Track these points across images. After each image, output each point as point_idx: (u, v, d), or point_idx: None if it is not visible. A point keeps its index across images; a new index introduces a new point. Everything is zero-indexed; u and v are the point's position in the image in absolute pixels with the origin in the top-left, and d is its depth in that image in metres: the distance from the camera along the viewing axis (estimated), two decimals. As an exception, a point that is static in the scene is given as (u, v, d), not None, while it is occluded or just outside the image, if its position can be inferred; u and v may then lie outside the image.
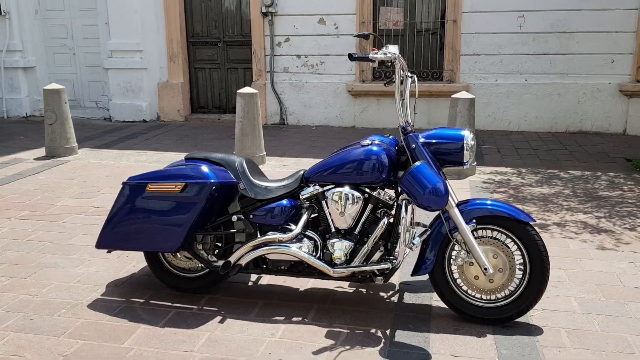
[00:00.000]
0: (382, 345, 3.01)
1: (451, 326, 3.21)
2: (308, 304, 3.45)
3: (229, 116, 9.87)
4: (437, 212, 3.24)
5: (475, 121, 6.63)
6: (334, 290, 3.64)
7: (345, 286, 3.67)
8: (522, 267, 3.18)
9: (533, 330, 3.16)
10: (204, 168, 3.31)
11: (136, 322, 3.24)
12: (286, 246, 3.27)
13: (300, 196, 3.38)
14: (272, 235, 3.28)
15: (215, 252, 3.51)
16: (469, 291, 3.27)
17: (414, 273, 3.24)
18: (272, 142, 8.01)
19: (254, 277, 3.81)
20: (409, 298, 3.54)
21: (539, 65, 8.63)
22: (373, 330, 3.15)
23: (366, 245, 3.20)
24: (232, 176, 3.39)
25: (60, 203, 5.41)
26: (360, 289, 3.64)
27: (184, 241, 3.32)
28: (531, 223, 3.15)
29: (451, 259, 3.26)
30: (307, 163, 6.97)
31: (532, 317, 3.27)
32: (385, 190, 3.30)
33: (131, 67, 9.70)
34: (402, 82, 3.22)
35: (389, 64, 3.19)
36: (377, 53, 3.14)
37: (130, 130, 9.20)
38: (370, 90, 9.04)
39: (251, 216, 3.37)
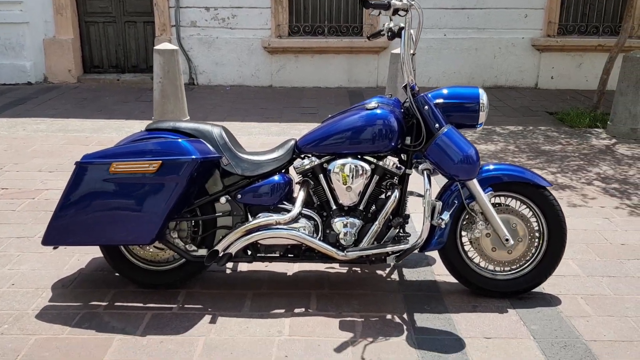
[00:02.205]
0: (406, 333, 2.68)
1: (467, 303, 2.95)
2: (305, 291, 3.03)
3: (129, 76, 8.92)
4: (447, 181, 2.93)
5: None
6: (327, 272, 3.24)
7: (336, 266, 3.28)
8: (539, 235, 2.97)
9: (551, 300, 2.98)
10: (182, 141, 2.72)
11: (108, 333, 2.65)
12: (287, 229, 2.80)
13: (295, 170, 2.92)
14: (269, 218, 2.80)
15: (193, 240, 2.96)
16: (482, 263, 3.02)
17: (423, 249, 2.91)
18: (187, 105, 7.30)
19: (229, 264, 3.31)
20: (410, 274, 3.23)
21: (457, 19, 8.54)
22: (389, 316, 2.81)
23: (377, 223, 2.82)
24: (213, 149, 2.84)
25: (-43, 186, 4.48)
26: (354, 269, 3.28)
27: (160, 231, 2.75)
28: (548, 187, 2.94)
29: (462, 231, 2.98)
30: (237, 128, 6.40)
31: (543, 285, 3.09)
32: (389, 158, 2.92)
33: (9, 21, 8.39)
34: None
35: (404, 13, 2.76)
36: (394, -1, 2.71)
37: (14, 94, 8.00)
38: (288, 46, 8.51)
39: (239, 196, 2.85)
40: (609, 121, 6.36)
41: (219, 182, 2.90)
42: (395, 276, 3.21)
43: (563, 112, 7.05)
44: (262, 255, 2.93)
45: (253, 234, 2.79)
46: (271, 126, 6.47)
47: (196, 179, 2.78)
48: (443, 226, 2.76)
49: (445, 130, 2.71)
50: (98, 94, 8.08)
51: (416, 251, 2.85)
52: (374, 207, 2.92)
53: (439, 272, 3.25)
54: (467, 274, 2.98)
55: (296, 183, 2.98)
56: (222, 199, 2.83)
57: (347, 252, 2.78)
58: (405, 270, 3.27)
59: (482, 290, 3.00)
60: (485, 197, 2.85)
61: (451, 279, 3.10)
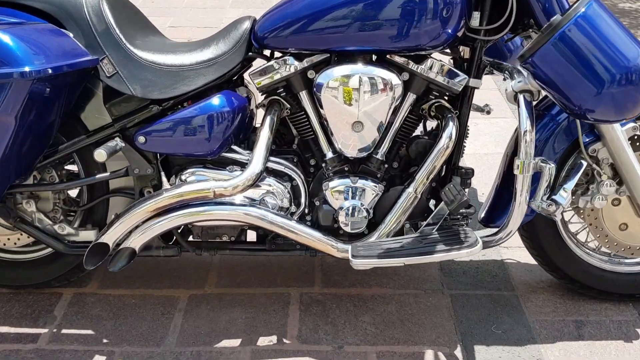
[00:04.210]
0: (464, 399, 1.44)
1: (565, 317, 1.67)
2: (279, 292, 1.75)
3: None
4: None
5: None
6: (319, 244, 1.93)
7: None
8: None
9: None
10: (4, 35, 1.27)
11: None
12: (236, 205, 1.45)
13: (252, 81, 1.49)
14: (202, 184, 1.42)
15: (69, 216, 1.63)
16: (590, 242, 1.70)
17: (487, 220, 1.59)
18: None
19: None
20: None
21: None
22: (429, 353, 1.55)
23: (411, 188, 1.45)
24: (79, 45, 1.40)
25: None
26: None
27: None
28: None
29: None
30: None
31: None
32: (435, 57, 1.47)
33: None
34: None
35: None
36: None
37: None
38: None
39: (141, 139, 1.46)
40: None
41: (102, 110, 1.49)
42: (434, 252, 1.91)
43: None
44: (198, 240, 1.60)
45: (169, 216, 1.44)
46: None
47: (48, 108, 1.38)
48: (557, 217, 1.39)
49: (582, 10, 1.23)
50: None
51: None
52: (403, 152, 1.54)
53: (505, 243, 1.94)
54: (568, 264, 1.67)
55: (257, 106, 1.58)
56: (101, 150, 1.42)
57: (355, 253, 1.42)
58: (449, 238, 1.95)
59: (591, 290, 1.71)
60: (622, 135, 1.46)
61: (528, 259, 1.80)
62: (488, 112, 1.71)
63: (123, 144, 1.46)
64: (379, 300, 1.71)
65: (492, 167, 2.43)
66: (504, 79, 1.41)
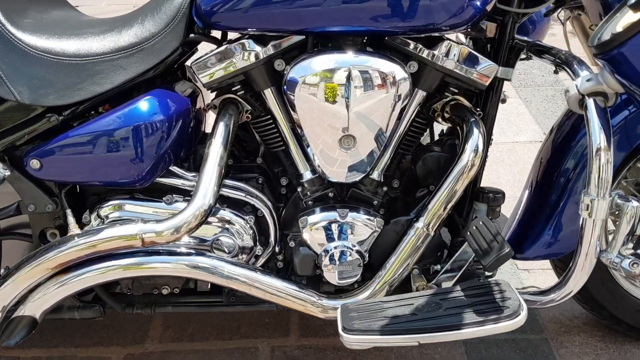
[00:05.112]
0: None
1: (611, 368, 1.31)
2: (234, 347, 1.35)
3: None
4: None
5: None
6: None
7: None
8: None
9: None
10: None
11: None
12: (171, 257, 1.03)
13: (196, 74, 1.05)
14: (123, 229, 0.99)
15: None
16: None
17: (521, 251, 1.20)
18: None
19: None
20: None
21: None
22: None
23: (421, 222, 1.04)
24: None
25: None
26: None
27: None
28: None
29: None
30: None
31: None
32: (452, 40, 1.05)
33: None
34: None
35: None
36: None
37: None
38: None
39: (36, 164, 1.01)
40: None
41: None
42: (438, 280, 1.52)
43: None
44: (129, 294, 1.17)
45: (79, 274, 1.00)
46: None
47: None
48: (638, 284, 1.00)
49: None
50: None
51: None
52: (406, 166, 1.14)
53: (525, 264, 1.57)
54: (615, 302, 1.30)
55: (206, 108, 1.15)
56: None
57: (347, 324, 1.00)
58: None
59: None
60: None
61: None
62: (503, 101, 1.31)
63: (8, 172, 1.01)
64: (374, 354, 1.32)
65: (499, 162, 2.05)
66: (555, 72, 1.00)
